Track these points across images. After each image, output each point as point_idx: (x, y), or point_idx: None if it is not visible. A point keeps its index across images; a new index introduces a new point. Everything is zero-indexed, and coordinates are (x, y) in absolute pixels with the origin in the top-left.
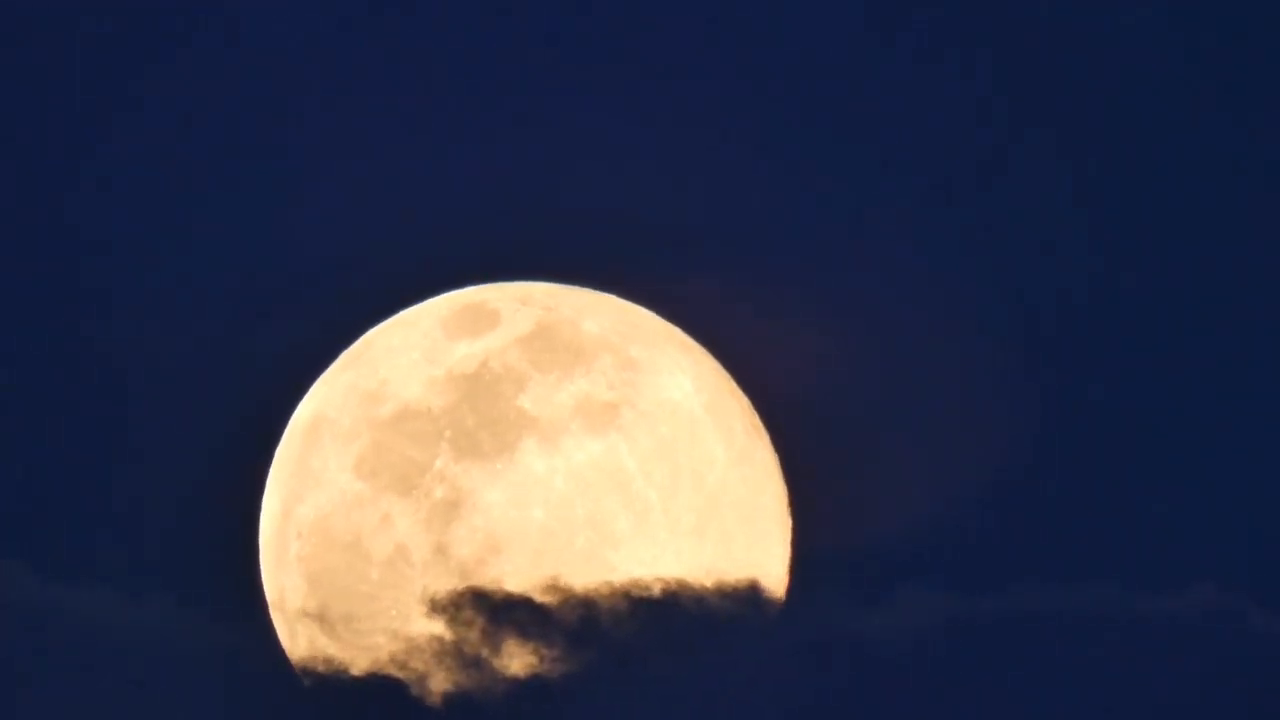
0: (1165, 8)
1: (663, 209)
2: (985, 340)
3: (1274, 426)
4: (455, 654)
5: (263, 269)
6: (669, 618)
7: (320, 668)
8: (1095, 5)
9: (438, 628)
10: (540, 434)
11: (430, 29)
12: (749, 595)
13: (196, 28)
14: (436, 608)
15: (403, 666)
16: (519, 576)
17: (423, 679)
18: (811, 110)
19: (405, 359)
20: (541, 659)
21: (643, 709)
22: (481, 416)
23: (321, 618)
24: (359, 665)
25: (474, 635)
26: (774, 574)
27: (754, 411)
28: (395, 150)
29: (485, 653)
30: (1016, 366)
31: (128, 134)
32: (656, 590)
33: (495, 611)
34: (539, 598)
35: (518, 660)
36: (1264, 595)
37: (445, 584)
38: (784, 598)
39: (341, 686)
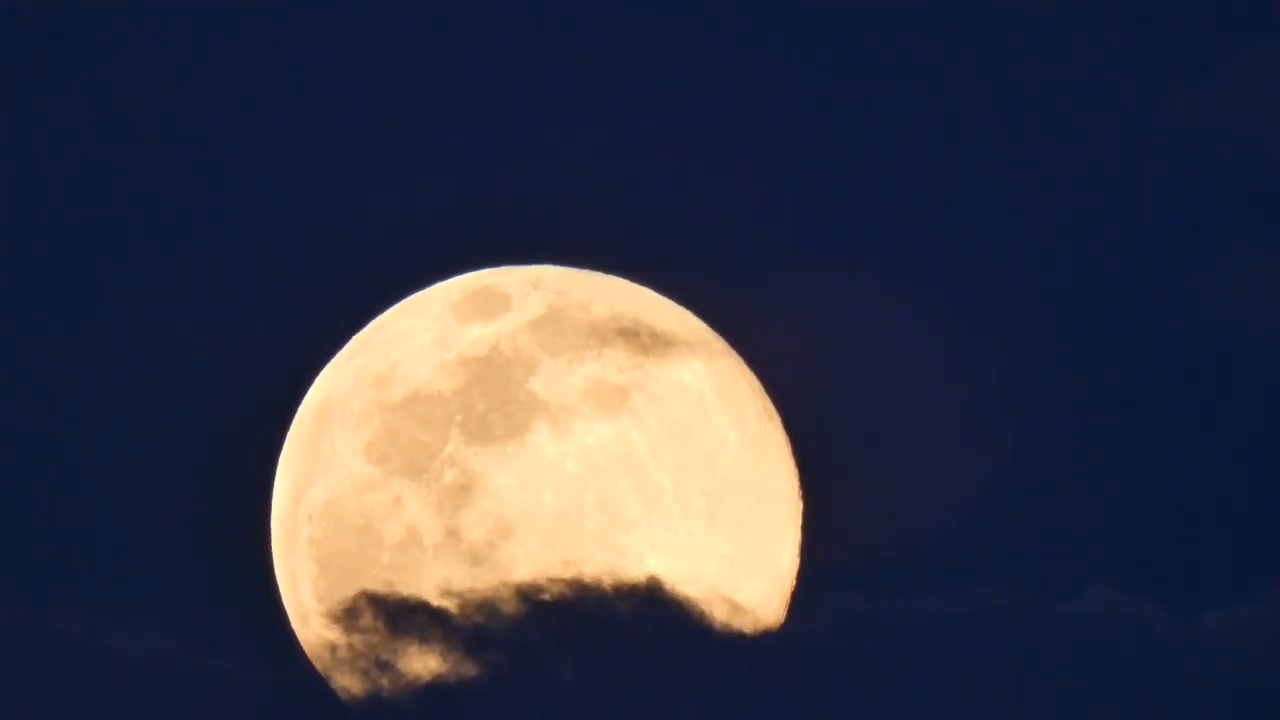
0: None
1: (674, 193)
2: (991, 326)
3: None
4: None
5: (273, 253)
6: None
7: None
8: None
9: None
10: (551, 418)
11: (441, 12)
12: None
13: (202, 17)
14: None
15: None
16: (530, 560)
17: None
18: (824, 95)
19: (416, 343)
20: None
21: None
22: (492, 400)
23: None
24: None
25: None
26: (784, 558)
27: (765, 395)
28: (405, 133)
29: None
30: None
31: (134, 118)
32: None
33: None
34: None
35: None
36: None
37: (457, 568)
38: (793, 582)
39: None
